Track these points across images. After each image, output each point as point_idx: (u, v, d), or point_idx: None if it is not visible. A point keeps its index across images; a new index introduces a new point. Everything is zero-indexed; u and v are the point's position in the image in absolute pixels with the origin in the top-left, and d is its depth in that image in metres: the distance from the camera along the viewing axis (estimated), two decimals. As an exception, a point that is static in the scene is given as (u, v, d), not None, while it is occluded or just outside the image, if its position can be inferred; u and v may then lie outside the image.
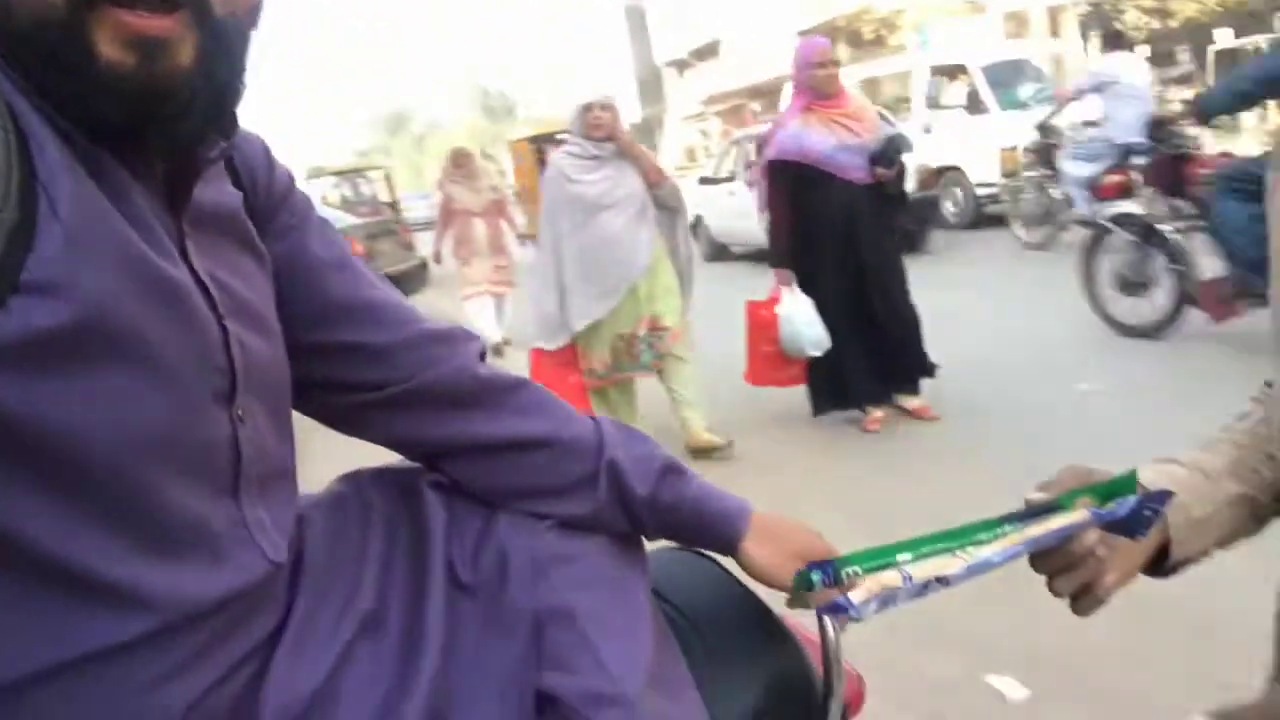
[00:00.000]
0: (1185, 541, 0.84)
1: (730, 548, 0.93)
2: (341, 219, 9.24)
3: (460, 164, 6.96)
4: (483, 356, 0.90)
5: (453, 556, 0.83)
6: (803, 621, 1.01)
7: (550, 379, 3.69)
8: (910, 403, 4.14)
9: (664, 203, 3.90)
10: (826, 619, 0.98)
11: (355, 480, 0.89)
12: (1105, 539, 0.77)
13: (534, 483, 0.87)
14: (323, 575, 0.78)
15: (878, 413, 4.11)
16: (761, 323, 4.03)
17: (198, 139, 0.65)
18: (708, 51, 28.33)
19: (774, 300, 4.00)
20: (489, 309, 6.88)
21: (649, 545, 0.95)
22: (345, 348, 0.82)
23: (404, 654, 0.76)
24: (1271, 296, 0.81)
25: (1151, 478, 0.82)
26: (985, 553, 0.74)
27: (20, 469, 0.55)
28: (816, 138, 3.84)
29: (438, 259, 7.37)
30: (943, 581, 0.73)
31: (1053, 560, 0.77)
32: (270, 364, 0.74)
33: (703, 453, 3.92)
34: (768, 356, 4.06)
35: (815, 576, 0.75)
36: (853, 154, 3.84)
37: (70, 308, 0.54)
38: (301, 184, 0.88)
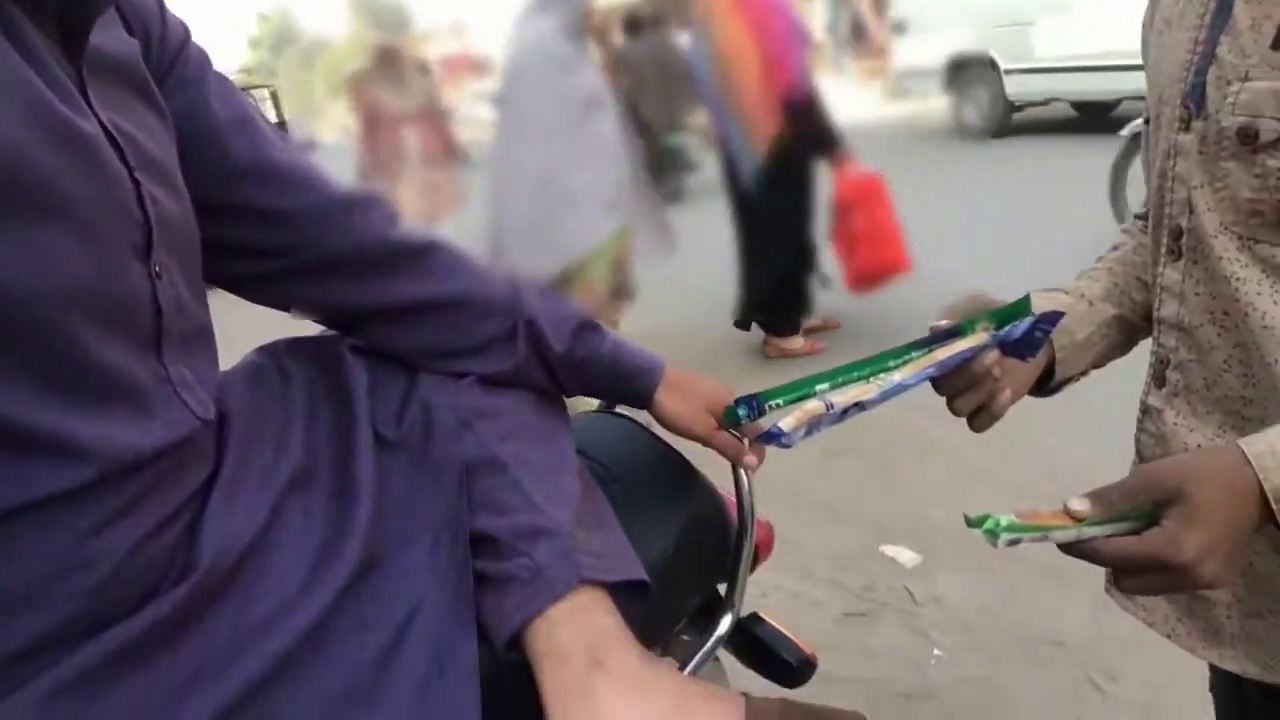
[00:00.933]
0: (1069, 361, 0.93)
1: (645, 400, 0.96)
2: None
3: (387, 61, 5.83)
4: (395, 220, 0.88)
5: (376, 415, 0.84)
6: (716, 478, 1.10)
7: None
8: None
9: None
10: (741, 470, 1.06)
11: (272, 351, 0.88)
12: (1001, 361, 0.84)
13: (451, 342, 0.87)
14: (248, 433, 0.78)
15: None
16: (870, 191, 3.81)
17: None
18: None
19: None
20: None
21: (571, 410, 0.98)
22: (250, 211, 0.81)
23: (336, 504, 0.78)
24: (1150, 132, 0.86)
25: (1040, 303, 0.88)
26: (896, 377, 0.79)
27: None
28: None
29: (365, 174, 6.09)
30: (860, 406, 0.78)
31: (954, 382, 0.83)
32: (181, 221, 0.72)
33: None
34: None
35: (741, 410, 0.80)
36: None
37: None
38: None
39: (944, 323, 0.84)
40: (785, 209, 3.91)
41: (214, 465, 0.74)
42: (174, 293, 0.70)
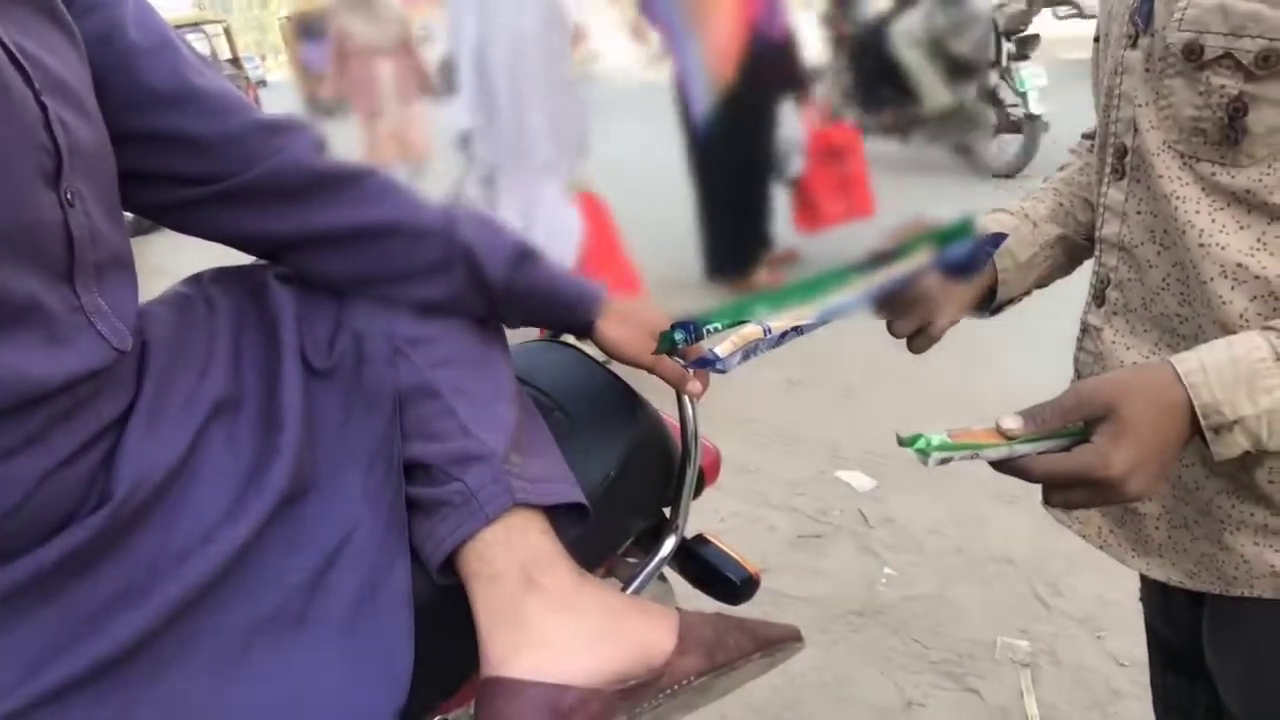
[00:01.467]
0: (1011, 282, 0.93)
1: (586, 328, 0.95)
2: None
3: None
4: (321, 147, 0.85)
5: (305, 344, 0.82)
6: (663, 407, 1.12)
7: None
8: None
9: None
10: (685, 396, 1.08)
11: (196, 281, 0.86)
12: (940, 283, 0.84)
13: (384, 270, 0.85)
14: (170, 362, 0.76)
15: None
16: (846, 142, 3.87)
17: None
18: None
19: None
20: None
21: (513, 339, 0.98)
22: (168, 137, 0.78)
23: (262, 432, 0.77)
24: (1099, 49, 0.85)
25: (984, 223, 0.88)
26: (836, 299, 0.78)
27: None
28: None
29: (315, 105, 6.02)
30: (798, 330, 0.78)
31: (894, 304, 0.84)
32: (94, 147, 0.70)
33: None
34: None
35: (678, 335, 0.79)
36: None
37: None
38: None
39: (884, 245, 0.83)
40: (744, 146, 3.86)
41: (133, 395, 0.73)
42: (87, 221, 0.68)
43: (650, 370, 0.95)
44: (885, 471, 2.40)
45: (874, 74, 5.50)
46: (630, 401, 1.06)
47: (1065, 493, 0.65)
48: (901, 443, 0.67)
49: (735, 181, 3.91)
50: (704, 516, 2.26)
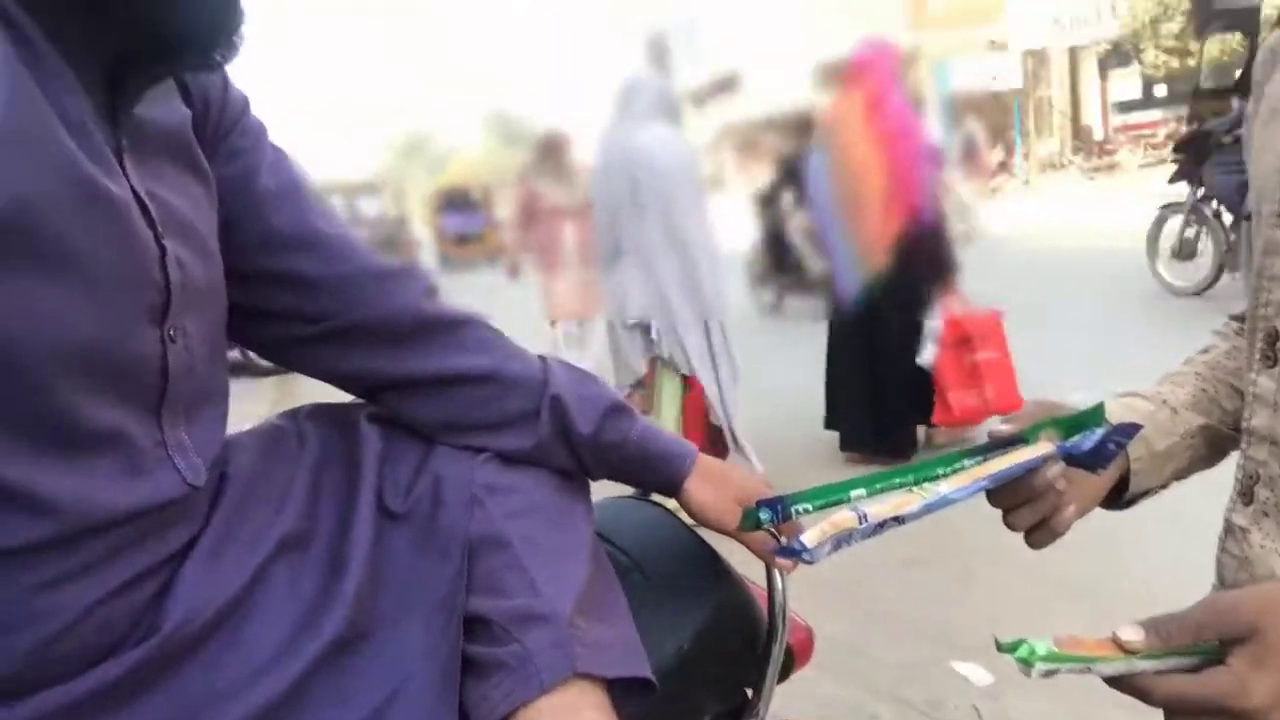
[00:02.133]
0: (1145, 474, 0.85)
1: (674, 488, 0.93)
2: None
3: (552, 152, 5.55)
4: (432, 293, 0.88)
5: (384, 486, 0.82)
6: (753, 573, 1.06)
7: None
8: None
9: None
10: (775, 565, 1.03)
11: (293, 415, 0.88)
12: (1065, 472, 0.77)
13: (473, 417, 0.86)
14: (245, 496, 0.76)
15: None
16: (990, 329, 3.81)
17: (209, 62, 0.67)
18: (727, 83, 28.26)
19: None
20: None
21: (597, 492, 0.96)
22: (284, 278, 0.82)
23: (327, 571, 0.76)
24: (1252, 227, 0.80)
25: (1116, 410, 0.82)
26: (943, 488, 0.71)
27: None
28: None
29: (514, 272, 5.95)
30: (899, 520, 0.70)
31: (1013, 494, 0.76)
32: (207, 286, 0.73)
33: None
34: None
35: (764, 515, 0.72)
36: None
37: None
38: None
39: (1004, 428, 0.77)
40: (892, 331, 3.82)
41: (200, 527, 0.72)
42: (186, 357, 0.70)
43: (736, 538, 0.91)
44: (1005, 666, 2.18)
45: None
46: (714, 569, 1.02)
47: None
48: (1001, 648, 0.61)
49: (873, 364, 3.86)
50: (798, 700, 2.14)
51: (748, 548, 0.92)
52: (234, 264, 0.77)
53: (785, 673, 1.08)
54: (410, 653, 0.75)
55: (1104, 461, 0.76)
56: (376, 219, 13.15)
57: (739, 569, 1.04)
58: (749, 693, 1.03)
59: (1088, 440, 0.74)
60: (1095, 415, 0.75)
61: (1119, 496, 0.88)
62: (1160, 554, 2.48)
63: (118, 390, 0.64)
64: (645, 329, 3.46)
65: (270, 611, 0.72)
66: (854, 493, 0.70)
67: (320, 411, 0.89)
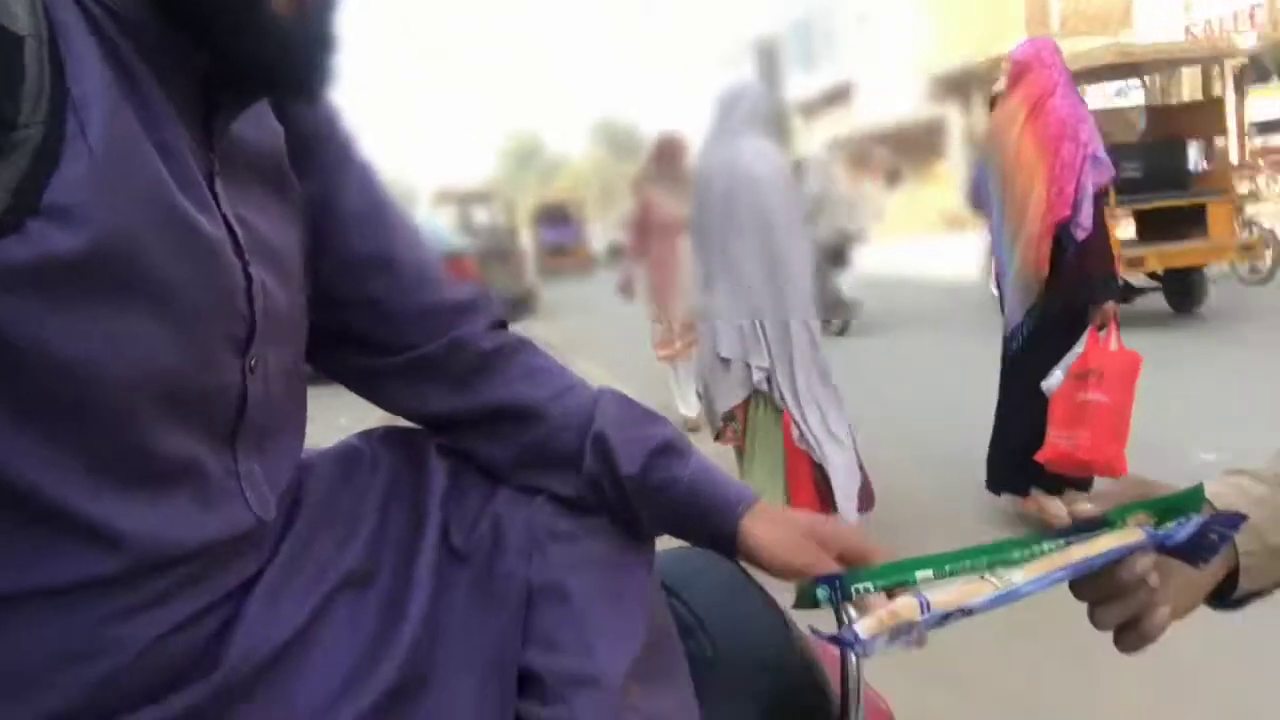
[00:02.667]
0: (1258, 570, 0.73)
1: (729, 534, 0.84)
2: (457, 240, 9.46)
3: (668, 158, 4.97)
4: (502, 325, 0.87)
5: (449, 522, 0.80)
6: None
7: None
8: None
9: None
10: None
11: (368, 436, 0.87)
12: (1161, 564, 0.67)
13: (523, 455, 0.83)
14: (314, 526, 0.75)
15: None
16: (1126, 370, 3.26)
17: (305, 96, 0.69)
18: (838, 94, 27.85)
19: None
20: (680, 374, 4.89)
21: (669, 543, 0.90)
22: (357, 303, 0.81)
23: (387, 612, 0.74)
24: None
25: (1222, 493, 0.71)
26: (1018, 577, 0.64)
27: (8, 398, 0.53)
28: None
29: (628, 290, 5.44)
30: (966, 612, 0.64)
31: (1098, 586, 0.67)
32: (290, 312, 0.72)
33: None
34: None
35: (821, 592, 0.67)
36: None
37: (89, 237, 0.52)
38: (425, 209, 0.87)
39: (1088, 507, 0.69)
40: (1045, 357, 3.33)
41: (266, 559, 0.71)
42: (264, 386, 0.69)
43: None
44: None
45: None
46: (787, 638, 0.94)
47: None
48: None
49: (1033, 394, 3.38)
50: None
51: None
52: (311, 286, 0.77)
53: (863, 754, 0.97)
54: (464, 707, 0.73)
55: (1205, 554, 0.66)
56: (487, 228, 13.52)
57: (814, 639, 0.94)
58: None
59: (1183, 529, 0.65)
60: (1194, 499, 0.67)
61: (1229, 594, 0.74)
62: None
63: (195, 420, 0.63)
64: (735, 364, 3.19)
65: (329, 651, 0.71)
66: (920, 574, 0.65)
67: (393, 436, 0.87)
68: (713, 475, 0.85)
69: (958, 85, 18.49)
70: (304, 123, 0.77)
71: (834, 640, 0.63)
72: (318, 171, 0.78)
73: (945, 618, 0.62)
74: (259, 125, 0.72)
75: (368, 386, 0.86)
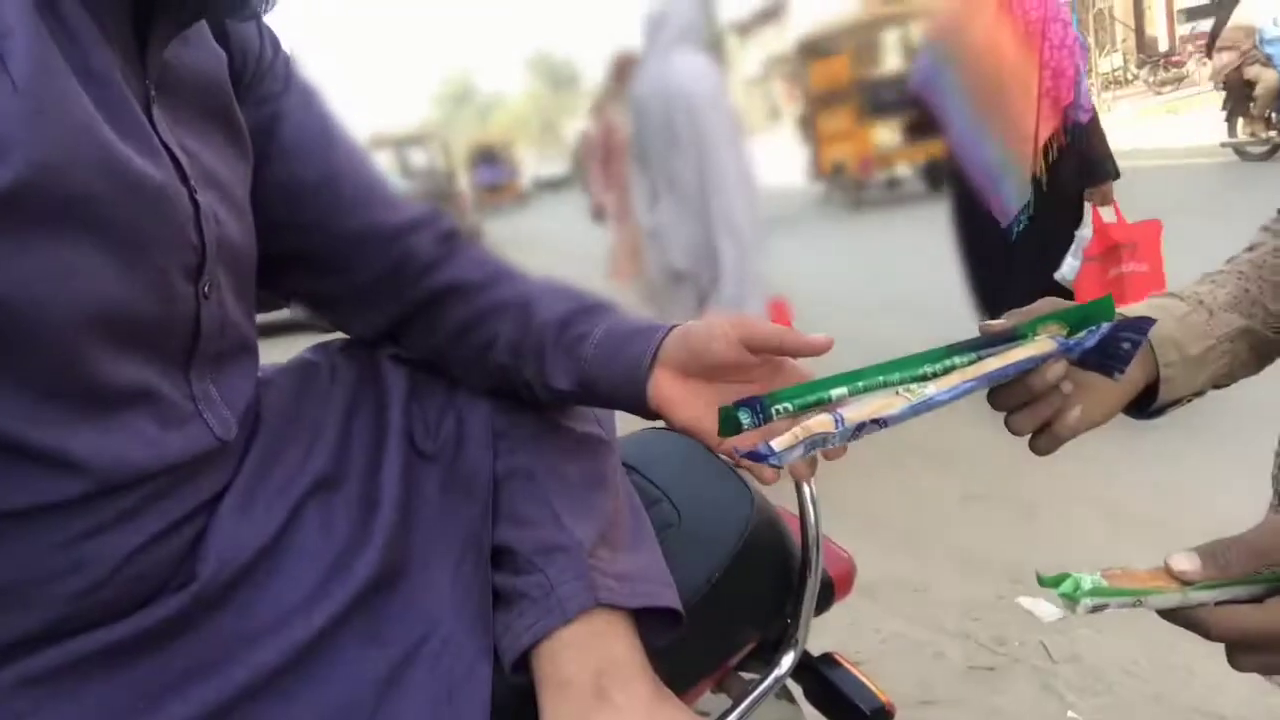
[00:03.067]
0: (1177, 380, 0.78)
1: (639, 396, 0.76)
2: (395, 184, 9.38)
3: (624, 74, 4.64)
4: (451, 237, 0.84)
5: (413, 425, 0.81)
6: (788, 505, 1.02)
7: None
8: None
9: None
10: (805, 488, 0.98)
11: (324, 348, 0.87)
12: (1076, 374, 0.71)
13: (458, 332, 0.83)
14: (277, 438, 0.75)
15: None
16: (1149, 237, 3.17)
17: (248, 12, 0.65)
18: (772, 12, 27.40)
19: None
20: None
21: (630, 425, 0.92)
22: (302, 228, 0.80)
23: (359, 513, 0.74)
24: None
25: (1144, 311, 0.75)
26: (930, 390, 0.65)
27: None
28: None
29: (601, 215, 5.33)
30: (880, 423, 0.65)
31: (1013, 394, 0.71)
32: (240, 239, 0.72)
33: None
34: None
35: (744, 416, 0.66)
36: None
37: (15, 171, 0.51)
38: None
39: (999, 323, 0.70)
40: (1043, 245, 3.24)
41: (232, 474, 0.71)
42: (219, 312, 0.69)
43: (715, 450, 0.75)
44: None
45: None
46: (745, 497, 0.99)
47: (1259, 655, 0.53)
48: (1043, 583, 0.57)
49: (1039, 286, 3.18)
50: (863, 636, 2.10)
51: (716, 451, 0.76)
52: (258, 211, 0.75)
53: (825, 603, 1.04)
54: (442, 592, 0.74)
55: (1118, 363, 0.69)
56: (425, 171, 13.34)
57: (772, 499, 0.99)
58: (790, 623, 0.99)
59: (1093, 336, 0.67)
60: (1104, 309, 0.67)
61: (1147, 405, 0.80)
62: (1232, 481, 2.36)
63: (148, 348, 0.63)
64: (690, 279, 3.21)
65: (303, 554, 0.71)
66: (835, 391, 0.65)
67: (350, 347, 0.87)
68: (625, 328, 0.78)
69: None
70: (247, 49, 0.76)
71: (750, 456, 0.63)
72: (259, 100, 0.77)
73: (859, 429, 0.64)
74: (200, 51, 0.70)
75: (320, 309, 0.86)
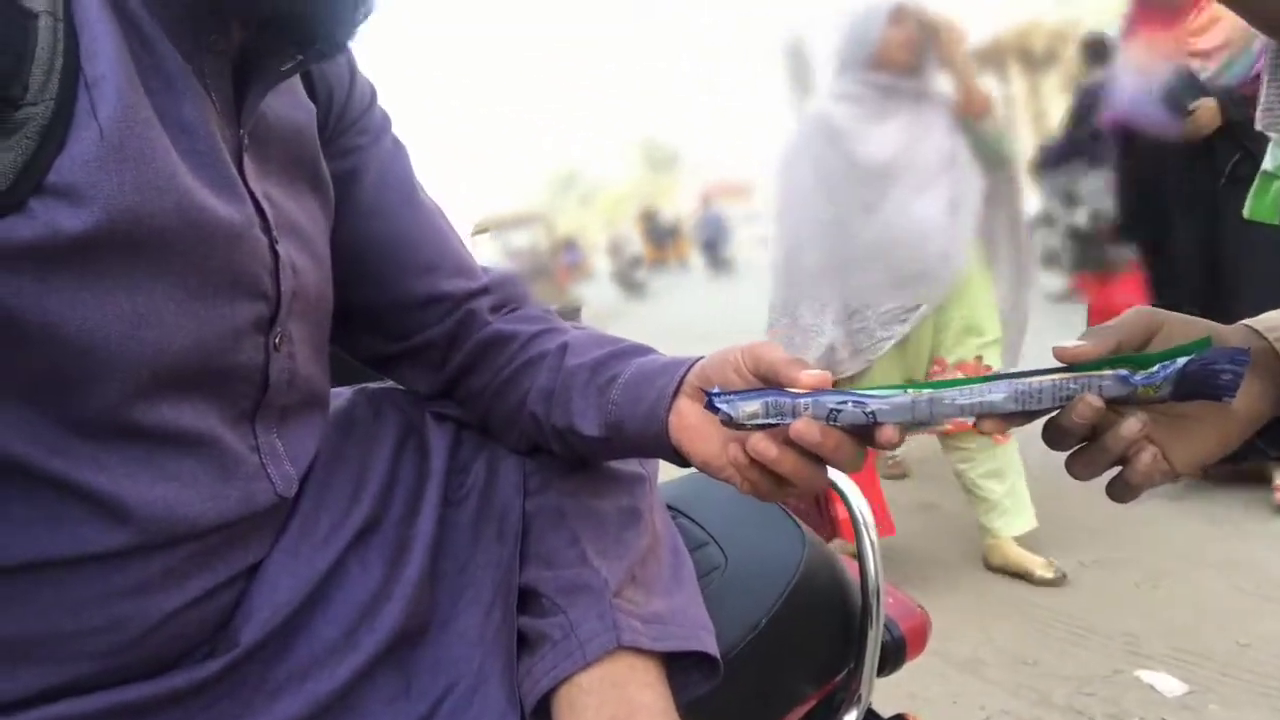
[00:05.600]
0: None
1: (660, 435, 0.71)
2: (494, 265, 9.99)
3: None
4: (511, 306, 0.84)
5: (450, 469, 0.78)
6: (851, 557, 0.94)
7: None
8: None
9: (988, 151, 2.42)
10: (864, 533, 0.90)
11: (365, 394, 0.85)
12: (1162, 411, 0.60)
13: (496, 381, 0.82)
14: (323, 489, 0.73)
15: None
16: None
17: (347, 40, 0.64)
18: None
19: None
20: None
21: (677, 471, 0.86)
22: (366, 285, 0.79)
23: (389, 562, 0.72)
24: None
25: (1239, 335, 0.63)
26: (941, 393, 0.57)
27: (20, 374, 0.52)
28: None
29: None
30: (863, 409, 0.57)
31: (1061, 430, 0.59)
32: (316, 290, 0.71)
33: (1015, 576, 2.49)
34: None
35: (718, 401, 0.62)
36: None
37: (95, 216, 0.51)
38: (468, 239, 0.84)
39: (1075, 345, 0.58)
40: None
41: (280, 531, 0.69)
42: (289, 364, 0.68)
43: (722, 477, 0.68)
44: (1202, 675, 1.94)
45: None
46: (799, 541, 0.92)
47: None
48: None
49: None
50: (967, 712, 1.94)
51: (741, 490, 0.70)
52: (334, 262, 0.75)
53: (896, 660, 0.95)
54: (471, 640, 0.71)
55: (1223, 390, 0.57)
56: (527, 250, 13.68)
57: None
58: (852, 679, 0.92)
59: (1165, 371, 0.56)
60: (1198, 345, 0.56)
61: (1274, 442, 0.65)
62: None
63: (213, 396, 0.62)
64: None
65: (335, 605, 0.68)
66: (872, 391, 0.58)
67: (395, 393, 0.85)
68: (653, 365, 0.75)
69: (990, 58, 18.13)
70: (337, 102, 0.76)
71: (707, 400, 0.61)
72: (344, 151, 0.77)
73: (836, 411, 0.57)
74: (292, 104, 0.70)
75: (374, 364, 0.85)
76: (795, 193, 2.49)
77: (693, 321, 9.52)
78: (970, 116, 2.37)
